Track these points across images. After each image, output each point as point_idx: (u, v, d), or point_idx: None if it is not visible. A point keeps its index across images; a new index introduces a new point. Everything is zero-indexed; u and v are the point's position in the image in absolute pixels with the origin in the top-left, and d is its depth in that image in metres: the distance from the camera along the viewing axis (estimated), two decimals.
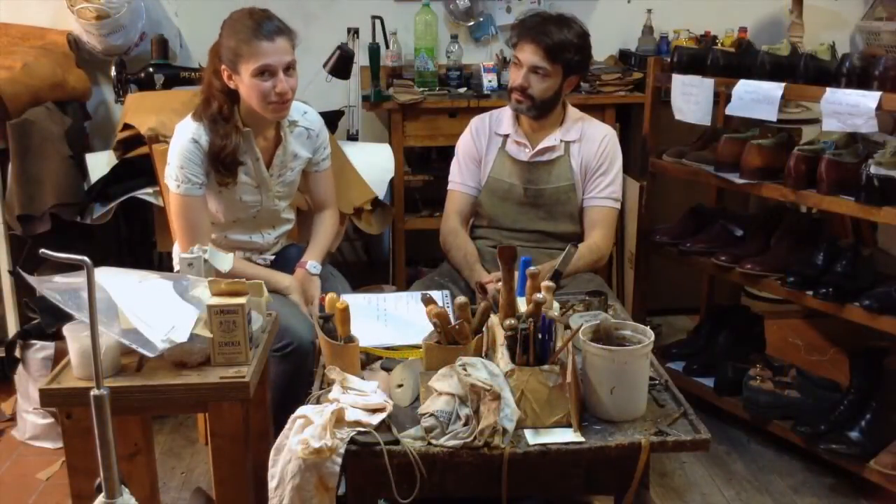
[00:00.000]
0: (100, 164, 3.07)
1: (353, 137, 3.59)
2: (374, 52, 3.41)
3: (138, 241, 3.45)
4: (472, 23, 3.74)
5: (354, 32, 3.52)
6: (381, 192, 3.26)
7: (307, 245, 2.67)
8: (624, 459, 1.74)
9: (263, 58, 2.29)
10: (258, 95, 2.33)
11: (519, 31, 2.63)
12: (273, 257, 2.66)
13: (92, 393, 1.41)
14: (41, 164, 2.92)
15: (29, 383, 2.84)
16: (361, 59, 3.49)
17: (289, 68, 2.35)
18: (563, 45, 2.56)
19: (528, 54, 2.58)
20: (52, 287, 1.77)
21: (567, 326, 2.08)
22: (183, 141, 2.37)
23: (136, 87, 3.28)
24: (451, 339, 1.87)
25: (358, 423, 1.72)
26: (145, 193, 2.95)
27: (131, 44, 3.41)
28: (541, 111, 2.65)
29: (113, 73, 3.22)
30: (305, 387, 2.15)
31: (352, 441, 1.70)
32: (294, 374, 2.35)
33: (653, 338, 1.85)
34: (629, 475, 1.74)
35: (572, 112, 2.77)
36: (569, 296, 2.37)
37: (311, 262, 2.57)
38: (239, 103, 2.41)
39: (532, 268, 1.93)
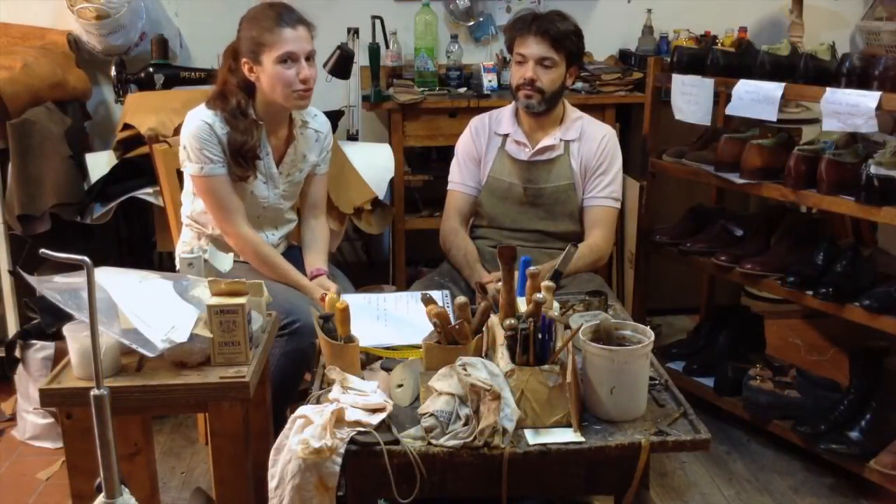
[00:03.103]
0: (100, 164, 3.08)
1: (353, 137, 3.59)
2: (374, 52, 3.41)
3: (138, 241, 3.45)
4: (472, 23, 3.75)
5: (354, 32, 3.52)
6: (381, 192, 3.26)
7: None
8: (624, 459, 1.74)
9: (287, 45, 2.35)
10: (283, 83, 2.38)
11: (517, 28, 2.64)
12: None
13: (92, 393, 1.41)
14: (41, 164, 2.92)
15: (29, 383, 2.83)
16: (361, 59, 3.50)
17: (309, 57, 2.41)
18: (566, 33, 2.60)
19: (534, 47, 2.59)
20: (52, 287, 1.77)
21: (567, 326, 2.07)
22: (197, 123, 2.39)
23: (136, 87, 3.28)
24: (451, 339, 1.86)
25: (358, 423, 1.72)
26: (145, 193, 2.95)
27: (131, 44, 3.41)
28: (549, 105, 2.66)
29: (113, 73, 3.22)
30: (310, 366, 2.16)
31: (352, 441, 1.70)
32: (299, 353, 2.37)
33: (653, 338, 1.85)
34: (629, 475, 1.74)
35: (572, 111, 2.77)
36: (569, 296, 2.37)
37: (324, 267, 2.60)
38: (254, 98, 2.44)
39: (532, 268, 1.93)
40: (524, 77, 2.61)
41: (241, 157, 2.41)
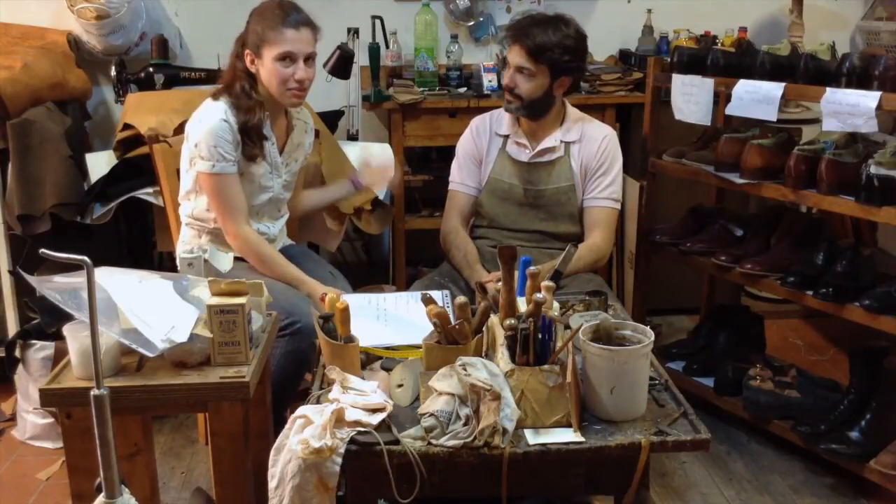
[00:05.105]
0: (100, 164, 3.07)
1: (353, 137, 3.59)
2: (374, 52, 3.41)
3: (138, 241, 3.45)
4: (472, 23, 3.75)
5: (354, 32, 3.52)
6: (381, 192, 3.26)
7: (307, 245, 2.69)
8: (624, 459, 1.74)
9: (287, 44, 2.41)
10: (278, 80, 2.43)
11: (510, 33, 2.65)
12: None
13: (92, 393, 1.42)
14: (41, 164, 2.91)
15: (29, 383, 2.83)
16: (361, 59, 3.49)
17: (309, 59, 2.47)
18: (547, 46, 2.55)
19: (514, 55, 2.61)
20: (52, 287, 1.77)
21: (567, 326, 2.07)
22: (214, 120, 2.41)
23: (136, 87, 3.28)
24: (451, 339, 1.87)
25: (358, 423, 1.72)
26: (145, 193, 2.95)
27: (131, 44, 3.41)
28: (531, 111, 2.66)
29: (113, 73, 3.22)
30: (310, 367, 2.16)
31: (352, 441, 1.70)
32: (299, 354, 2.38)
33: (653, 338, 1.85)
34: (629, 475, 1.74)
35: (572, 112, 2.77)
36: (569, 296, 2.37)
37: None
38: (257, 88, 2.49)
39: (532, 268, 1.93)
40: (504, 82, 2.65)
41: (247, 135, 2.44)
